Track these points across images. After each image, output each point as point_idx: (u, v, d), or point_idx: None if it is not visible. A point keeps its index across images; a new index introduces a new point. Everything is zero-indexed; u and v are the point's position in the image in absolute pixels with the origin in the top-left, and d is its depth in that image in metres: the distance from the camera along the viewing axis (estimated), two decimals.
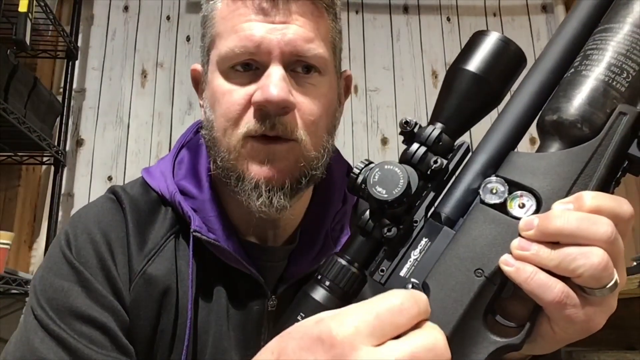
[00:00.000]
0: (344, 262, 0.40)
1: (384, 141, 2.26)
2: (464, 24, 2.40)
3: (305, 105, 0.59)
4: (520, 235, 0.37)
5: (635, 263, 1.54)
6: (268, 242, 0.66)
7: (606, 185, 0.38)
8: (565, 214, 0.36)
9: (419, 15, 2.41)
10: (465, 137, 0.43)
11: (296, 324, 0.35)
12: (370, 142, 2.25)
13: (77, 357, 0.55)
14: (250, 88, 0.58)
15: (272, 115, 0.57)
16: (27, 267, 2.03)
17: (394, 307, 0.33)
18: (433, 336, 0.33)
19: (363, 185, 0.40)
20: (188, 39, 2.33)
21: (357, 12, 2.40)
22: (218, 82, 0.60)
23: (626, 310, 1.77)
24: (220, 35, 0.60)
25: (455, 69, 0.43)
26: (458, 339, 0.37)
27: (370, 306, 0.33)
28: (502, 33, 0.43)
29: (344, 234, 0.68)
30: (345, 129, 2.23)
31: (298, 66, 0.60)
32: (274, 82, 0.56)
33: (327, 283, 0.40)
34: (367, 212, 0.40)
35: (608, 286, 0.36)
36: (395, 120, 2.28)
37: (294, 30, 0.58)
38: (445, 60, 2.35)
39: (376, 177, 0.39)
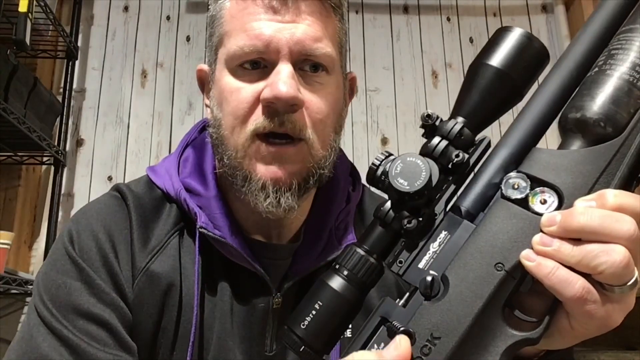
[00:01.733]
0: (362, 252, 0.40)
1: (384, 141, 2.26)
2: (464, 24, 2.40)
3: (314, 103, 0.60)
4: (542, 230, 0.37)
5: None
6: (272, 240, 0.66)
7: (628, 184, 0.38)
8: (588, 211, 0.36)
9: (419, 15, 2.41)
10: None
11: None
12: (370, 142, 2.25)
13: (79, 355, 0.55)
14: (259, 85, 0.59)
15: (281, 112, 0.57)
16: (27, 267, 2.03)
17: None
18: None
19: (383, 177, 0.40)
20: (188, 39, 2.32)
21: (357, 12, 2.40)
22: (226, 79, 0.61)
23: None
24: (229, 34, 0.61)
25: (478, 63, 0.43)
26: (476, 331, 0.37)
27: None
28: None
29: (347, 233, 0.68)
30: (345, 129, 2.22)
31: (306, 65, 0.60)
32: (282, 79, 0.56)
33: (345, 272, 0.40)
34: (388, 203, 0.40)
35: (628, 284, 0.36)
36: (395, 120, 2.28)
37: (303, 30, 0.58)
38: (445, 60, 2.35)
39: (398, 168, 0.39)
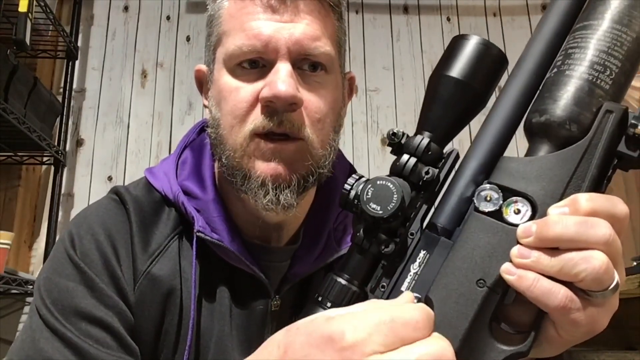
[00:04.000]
0: (343, 281, 0.40)
1: (384, 141, 2.26)
2: (464, 24, 2.39)
3: (312, 102, 0.60)
4: (519, 242, 0.37)
5: (635, 263, 1.54)
6: (271, 243, 0.66)
7: (598, 184, 0.38)
8: (563, 219, 0.35)
9: (419, 15, 2.41)
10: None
11: (305, 319, 0.35)
12: (370, 142, 2.25)
13: (83, 357, 0.55)
14: (258, 85, 0.59)
15: (280, 111, 0.57)
16: (27, 267, 2.03)
17: (409, 322, 0.32)
18: (440, 345, 0.33)
19: (355, 201, 0.39)
20: (188, 39, 2.32)
21: (357, 12, 2.40)
22: (225, 79, 0.60)
23: (626, 310, 1.77)
24: (228, 34, 0.61)
25: (438, 75, 0.43)
26: (466, 351, 0.36)
27: (385, 315, 0.33)
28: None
29: (346, 234, 0.68)
30: (345, 129, 2.22)
31: (305, 64, 0.60)
32: (281, 79, 0.56)
33: (329, 305, 0.39)
34: (362, 230, 0.40)
35: (610, 288, 0.36)
36: (395, 120, 2.28)
37: (302, 29, 0.58)
38: None
39: (369, 193, 0.38)
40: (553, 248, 0.36)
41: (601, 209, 0.36)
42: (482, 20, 2.40)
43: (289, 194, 0.58)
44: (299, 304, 0.66)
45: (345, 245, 0.67)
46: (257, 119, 0.58)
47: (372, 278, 0.41)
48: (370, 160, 2.22)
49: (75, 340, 0.55)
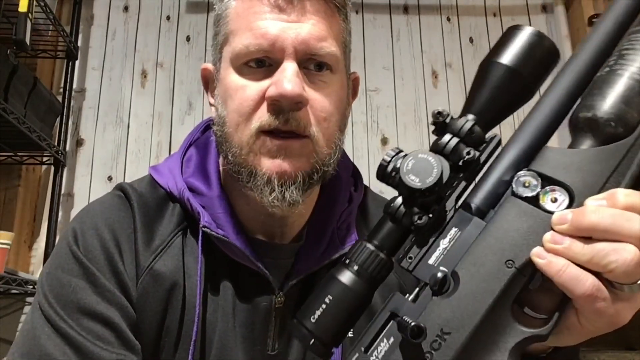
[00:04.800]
0: (372, 247, 0.41)
1: (384, 141, 2.26)
2: (464, 24, 2.40)
3: (318, 101, 0.60)
4: (552, 229, 0.37)
5: None
6: (275, 240, 0.67)
7: (637, 183, 0.39)
8: (599, 209, 0.36)
9: (419, 15, 2.42)
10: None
11: None
12: (370, 142, 2.25)
13: (82, 354, 0.55)
14: (264, 83, 0.59)
15: (286, 110, 0.57)
16: (27, 267, 2.03)
17: None
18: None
19: (393, 173, 0.40)
20: (188, 39, 2.32)
21: (357, 12, 2.40)
22: (231, 78, 0.61)
23: None
24: (235, 33, 0.61)
25: (489, 62, 0.43)
26: (486, 327, 0.37)
27: None
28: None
29: (350, 233, 0.68)
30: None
31: (310, 64, 0.60)
32: (288, 77, 0.57)
33: (356, 267, 0.40)
34: (399, 199, 0.41)
35: (639, 282, 0.36)
36: (395, 120, 2.28)
37: (308, 29, 0.59)
38: (445, 60, 2.35)
39: (409, 165, 0.39)
40: (586, 238, 0.36)
41: (639, 205, 0.36)
42: (482, 20, 2.40)
43: (294, 191, 0.58)
44: (303, 301, 0.66)
45: (349, 243, 0.67)
46: (263, 116, 0.58)
47: (401, 249, 0.41)
48: (370, 160, 2.22)
49: (75, 337, 0.55)
